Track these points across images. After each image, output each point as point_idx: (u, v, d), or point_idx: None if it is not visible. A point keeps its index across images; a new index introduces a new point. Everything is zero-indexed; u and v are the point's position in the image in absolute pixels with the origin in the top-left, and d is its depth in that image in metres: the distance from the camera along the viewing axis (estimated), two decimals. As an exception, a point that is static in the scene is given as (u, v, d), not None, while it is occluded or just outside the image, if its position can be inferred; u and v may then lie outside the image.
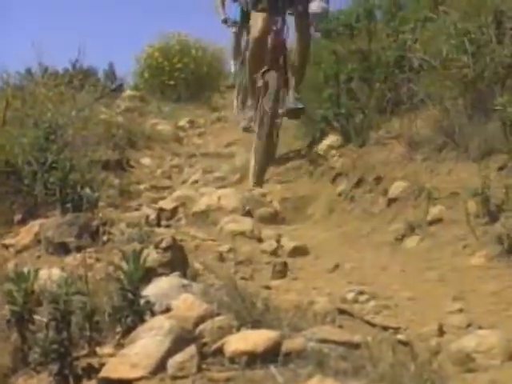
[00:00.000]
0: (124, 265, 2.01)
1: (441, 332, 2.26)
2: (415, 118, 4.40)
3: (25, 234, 3.31)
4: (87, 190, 3.53)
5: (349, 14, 6.11)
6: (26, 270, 2.04)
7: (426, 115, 4.35)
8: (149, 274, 2.18)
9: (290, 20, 5.43)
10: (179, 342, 1.79)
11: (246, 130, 6.48)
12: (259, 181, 5.13)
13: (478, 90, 3.98)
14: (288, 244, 3.51)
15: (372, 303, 2.59)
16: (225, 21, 8.44)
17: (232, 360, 1.72)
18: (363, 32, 5.56)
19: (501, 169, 3.53)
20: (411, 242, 3.51)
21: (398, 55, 4.86)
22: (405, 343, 2.03)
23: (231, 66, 9.11)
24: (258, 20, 5.28)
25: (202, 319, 1.91)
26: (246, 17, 8.34)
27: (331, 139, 5.27)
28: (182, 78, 10.47)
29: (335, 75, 5.31)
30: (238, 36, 8.56)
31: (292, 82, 5.53)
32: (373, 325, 2.31)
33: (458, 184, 3.60)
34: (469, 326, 2.34)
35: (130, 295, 1.97)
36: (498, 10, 3.97)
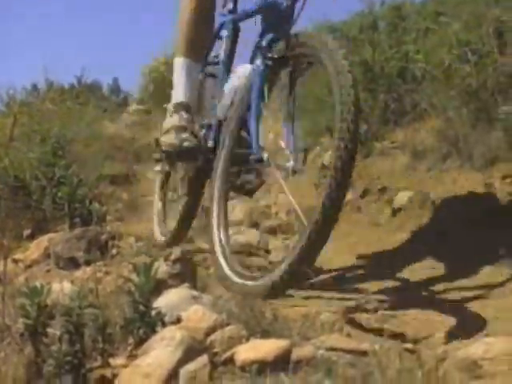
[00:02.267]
0: (135, 277, 2.05)
1: (447, 340, 2.28)
2: (419, 128, 4.43)
3: (34, 249, 3.34)
4: (95, 205, 3.58)
5: (352, 25, 6.13)
6: (38, 284, 2.07)
7: (429, 125, 4.37)
8: (159, 286, 2.22)
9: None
10: (190, 352, 1.82)
11: None
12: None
13: (481, 100, 4.00)
14: (295, 255, 3.52)
15: (379, 312, 2.61)
16: None
17: (243, 369, 1.75)
18: (366, 43, 5.57)
19: (505, 177, 3.55)
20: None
21: (401, 66, 4.89)
22: (412, 351, 2.05)
23: None
24: None
25: (212, 330, 1.94)
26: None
27: (336, 150, 5.28)
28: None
29: (339, 86, 5.32)
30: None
31: None
32: (380, 333, 2.33)
33: (462, 193, 3.63)
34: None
35: (141, 307, 2.00)
36: (499, 20, 4.01)
